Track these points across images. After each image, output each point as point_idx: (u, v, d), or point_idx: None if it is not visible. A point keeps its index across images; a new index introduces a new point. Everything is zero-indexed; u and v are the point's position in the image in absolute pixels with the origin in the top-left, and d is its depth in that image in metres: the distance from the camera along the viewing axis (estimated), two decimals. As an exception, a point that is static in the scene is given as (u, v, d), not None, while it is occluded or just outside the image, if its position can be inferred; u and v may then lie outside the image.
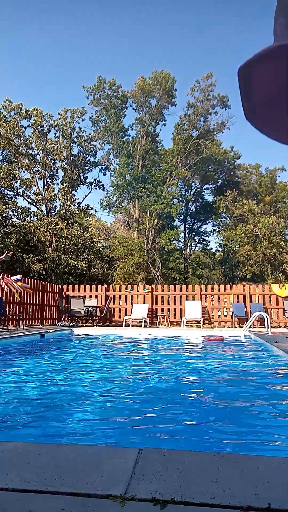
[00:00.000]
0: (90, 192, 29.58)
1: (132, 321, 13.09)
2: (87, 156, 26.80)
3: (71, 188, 26.17)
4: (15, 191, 24.28)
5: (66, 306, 13.71)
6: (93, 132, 28.19)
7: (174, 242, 29.71)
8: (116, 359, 6.13)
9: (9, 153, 23.78)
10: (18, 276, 11.20)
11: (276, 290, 13.38)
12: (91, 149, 26.94)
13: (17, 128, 23.25)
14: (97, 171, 28.36)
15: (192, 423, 2.79)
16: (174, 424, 2.75)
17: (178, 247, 32.25)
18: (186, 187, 33.39)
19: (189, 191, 34.35)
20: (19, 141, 23.94)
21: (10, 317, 11.32)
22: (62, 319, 13.95)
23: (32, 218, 24.95)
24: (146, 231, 27.75)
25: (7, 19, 35.68)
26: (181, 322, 12.91)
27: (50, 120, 24.90)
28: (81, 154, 26.36)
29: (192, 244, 35.61)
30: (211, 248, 35.80)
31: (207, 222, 35.40)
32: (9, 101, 23.93)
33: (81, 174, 27.02)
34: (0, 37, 37.80)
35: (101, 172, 28.46)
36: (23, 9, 34.84)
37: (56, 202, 26.11)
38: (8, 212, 22.74)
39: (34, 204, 25.28)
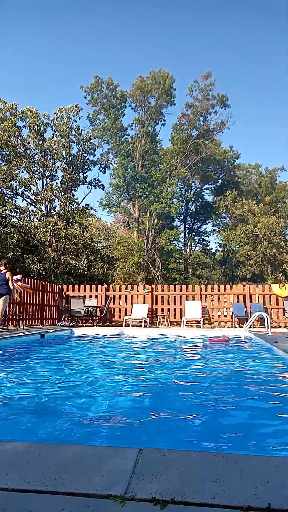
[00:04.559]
0: (89, 192, 29.59)
1: (132, 321, 13.09)
2: (86, 155, 26.78)
3: (71, 188, 26.15)
4: (14, 191, 24.27)
5: (66, 306, 13.71)
6: (91, 131, 28.18)
7: (174, 242, 29.72)
8: (116, 359, 6.12)
9: (7, 153, 23.75)
10: (18, 276, 11.20)
11: (276, 290, 13.37)
12: (90, 147, 26.92)
13: (13, 128, 23.15)
14: (96, 170, 28.43)
15: (192, 423, 2.79)
16: (174, 424, 2.75)
17: (178, 247, 32.25)
18: (186, 187, 33.40)
19: (189, 191, 34.36)
20: (16, 141, 23.89)
21: (10, 317, 11.33)
22: (62, 319, 13.95)
23: (31, 218, 24.96)
24: (146, 231, 27.75)
25: (5, 18, 35.67)
26: (181, 322, 12.91)
27: (46, 119, 24.81)
28: (80, 153, 26.33)
29: (192, 244, 35.62)
30: (211, 248, 35.81)
31: (207, 222, 35.41)
32: (3, 102, 23.84)
33: (81, 174, 27.01)
34: None
35: (101, 171, 28.49)
36: (19, 9, 34.83)
37: (56, 202, 26.13)
38: (7, 212, 22.72)
39: (34, 204, 25.27)
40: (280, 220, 27.54)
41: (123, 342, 9.11)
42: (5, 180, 22.78)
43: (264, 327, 11.44)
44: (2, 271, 8.44)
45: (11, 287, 8.44)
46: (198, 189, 34.86)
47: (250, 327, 10.89)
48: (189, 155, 29.24)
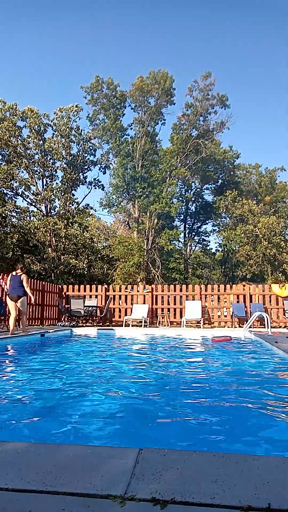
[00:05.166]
0: (89, 192, 29.59)
1: (132, 321, 13.09)
2: (86, 155, 26.77)
3: (71, 188, 26.14)
4: (14, 191, 24.26)
5: (66, 306, 13.71)
6: (91, 131, 28.17)
7: (174, 242, 29.73)
8: (116, 359, 6.13)
9: (7, 153, 23.74)
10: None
11: (276, 290, 13.37)
12: (90, 147, 26.90)
13: (13, 128, 23.12)
14: (96, 170, 28.40)
15: (192, 423, 2.79)
16: (174, 424, 2.75)
17: (178, 247, 32.26)
18: (186, 187, 33.41)
19: (189, 191, 34.38)
20: (17, 141, 23.87)
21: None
22: (62, 319, 13.95)
23: (31, 218, 24.94)
24: (146, 231, 27.75)
25: (4, 17, 35.68)
26: (181, 322, 12.91)
27: (46, 120, 24.78)
28: (80, 153, 26.31)
29: (192, 244, 35.63)
30: (211, 248, 35.83)
31: (207, 222, 35.42)
32: (3, 102, 23.82)
33: (81, 174, 27.00)
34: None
35: (101, 171, 28.49)
36: (18, 9, 34.84)
37: (56, 202, 26.12)
38: (7, 212, 22.73)
39: (34, 204, 25.27)
40: (280, 220, 27.55)
41: (122, 342, 9.10)
42: (5, 180, 22.77)
43: (264, 327, 11.44)
44: (18, 274, 8.76)
45: (27, 289, 8.73)
46: (198, 189, 34.87)
47: (250, 327, 10.89)
48: (189, 155, 29.24)
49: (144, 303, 14.15)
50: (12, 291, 8.60)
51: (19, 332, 9.03)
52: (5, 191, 23.37)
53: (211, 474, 1.46)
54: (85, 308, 13.27)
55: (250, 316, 11.52)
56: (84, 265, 25.31)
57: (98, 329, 11.58)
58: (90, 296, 14.24)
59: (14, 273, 8.83)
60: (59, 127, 24.92)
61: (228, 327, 13.24)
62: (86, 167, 27.24)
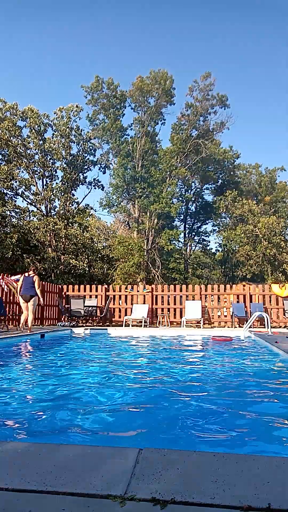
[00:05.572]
0: (89, 192, 29.55)
1: (132, 321, 13.09)
2: (86, 155, 26.74)
3: (71, 188, 26.11)
4: (14, 191, 24.24)
5: (66, 306, 13.70)
6: (91, 131, 28.15)
7: (174, 242, 29.71)
8: (117, 359, 6.13)
9: (7, 153, 23.72)
10: (18, 276, 11.20)
11: (276, 290, 13.37)
12: (90, 147, 26.87)
13: (13, 128, 23.08)
14: (96, 170, 28.32)
15: (192, 423, 2.79)
16: (174, 424, 2.75)
17: (178, 247, 32.24)
18: (186, 187, 33.38)
19: (189, 191, 34.35)
20: (17, 141, 23.84)
21: (10, 317, 11.34)
22: (62, 319, 13.94)
23: (31, 218, 24.92)
24: (146, 231, 27.73)
25: (5, 17, 35.66)
26: (181, 322, 12.91)
27: (46, 120, 24.74)
28: (80, 153, 26.28)
29: (192, 244, 35.60)
30: (211, 248, 35.81)
31: (207, 222, 35.40)
32: (4, 102, 23.79)
33: (81, 174, 26.97)
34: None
35: (101, 171, 28.46)
36: (19, 9, 34.82)
37: (56, 202, 26.10)
38: (7, 212, 22.70)
39: (34, 204, 25.24)
40: (280, 220, 27.53)
41: (123, 342, 9.10)
42: (5, 180, 22.75)
43: (264, 327, 11.44)
44: (31, 275, 9.19)
45: (37, 290, 9.12)
46: (198, 189, 34.85)
47: (250, 327, 10.89)
48: (189, 155, 29.22)
49: (144, 303, 14.15)
50: (24, 291, 9.04)
51: (18, 332, 9.03)
52: (5, 191, 23.34)
53: (211, 474, 1.46)
54: (85, 308, 13.27)
55: (250, 316, 11.52)
56: (84, 265, 25.28)
57: (91, 328, 11.58)
58: (90, 296, 14.23)
59: (26, 274, 9.25)
60: (59, 127, 24.88)
61: (228, 327, 13.24)
62: (86, 167, 27.19)
